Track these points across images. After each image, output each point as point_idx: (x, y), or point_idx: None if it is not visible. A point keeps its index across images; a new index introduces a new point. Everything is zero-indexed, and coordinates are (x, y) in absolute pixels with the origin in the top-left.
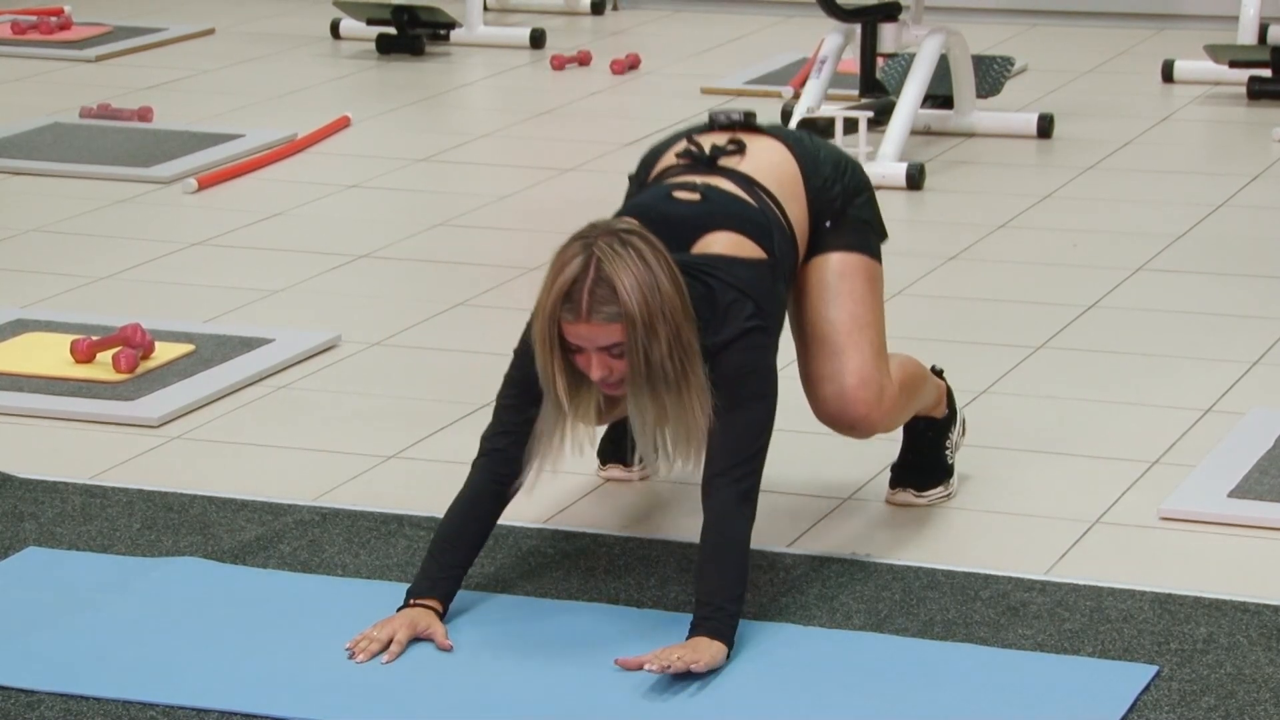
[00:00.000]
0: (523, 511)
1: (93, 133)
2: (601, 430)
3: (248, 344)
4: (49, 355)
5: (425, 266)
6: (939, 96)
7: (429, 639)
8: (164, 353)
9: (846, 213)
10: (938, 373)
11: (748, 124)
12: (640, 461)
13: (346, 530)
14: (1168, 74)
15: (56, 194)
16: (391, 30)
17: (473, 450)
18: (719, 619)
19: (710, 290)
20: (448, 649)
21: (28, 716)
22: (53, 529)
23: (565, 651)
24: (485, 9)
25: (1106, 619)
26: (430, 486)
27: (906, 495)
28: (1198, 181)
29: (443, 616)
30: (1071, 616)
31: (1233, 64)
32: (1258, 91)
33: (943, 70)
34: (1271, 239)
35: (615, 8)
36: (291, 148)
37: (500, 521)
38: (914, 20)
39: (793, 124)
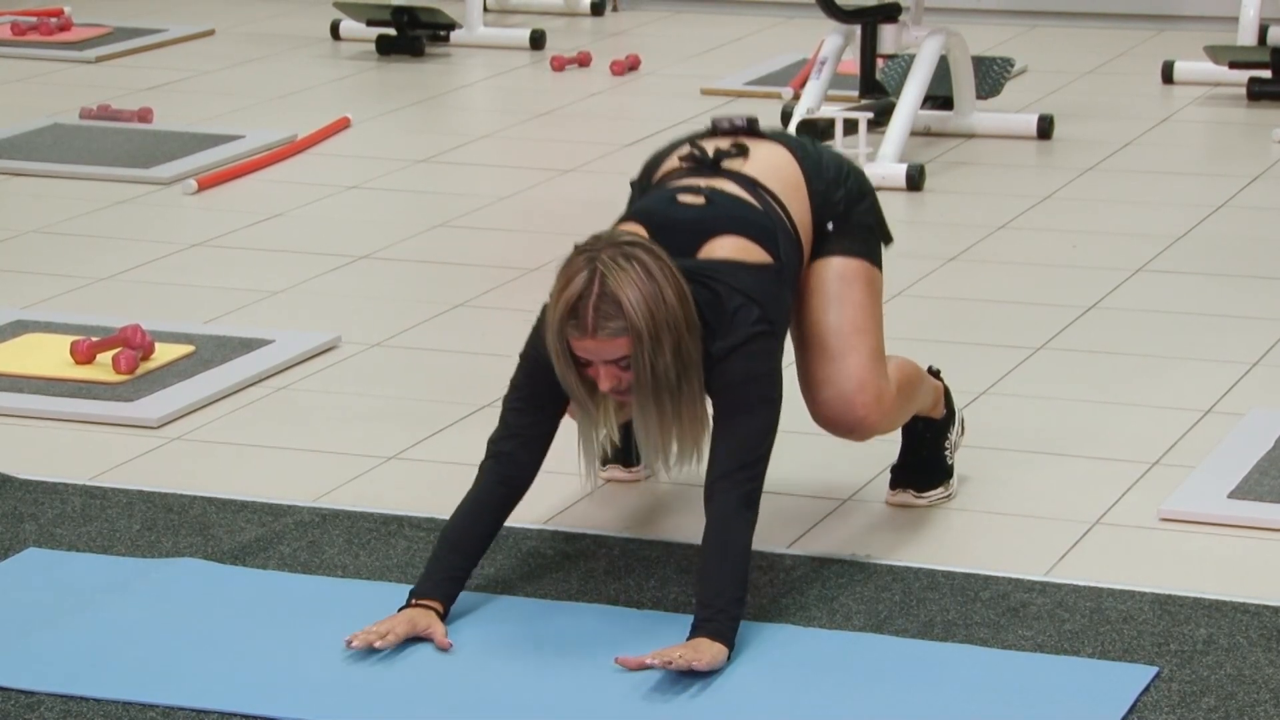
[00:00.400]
0: (523, 513)
1: (93, 134)
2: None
3: (248, 345)
4: (49, 356)
5: (425, 267)
6: (939, 97)
7: (428, 638)
8: (164, 354)
9: (850, 217)
10: (934, 373)
11: (750, 129)
12: (640, 464)
13: (346, 531)
14: (1168, 75)
15: (56, 195)
16: (391, 31)
17: (474, 451)
18: (720, 620)
19: (716, 296)
20: (447, 649)
21: (28, 717)
22: (53, 530)
23: (565, 652)
24: (485, 10)
25: (1106, 620)
26: (430, 487)
27: (906, 496)
28: (1197, 182)
29: (444, 617)
30: (1071, 617)
31: (1233, 65)
32: (1258, 92)
33: (943, 71)
34: (1271, 239)
35: (615, 9)
36: (291, 149)
37: None
38: (914, 21)
39: (792, 125)
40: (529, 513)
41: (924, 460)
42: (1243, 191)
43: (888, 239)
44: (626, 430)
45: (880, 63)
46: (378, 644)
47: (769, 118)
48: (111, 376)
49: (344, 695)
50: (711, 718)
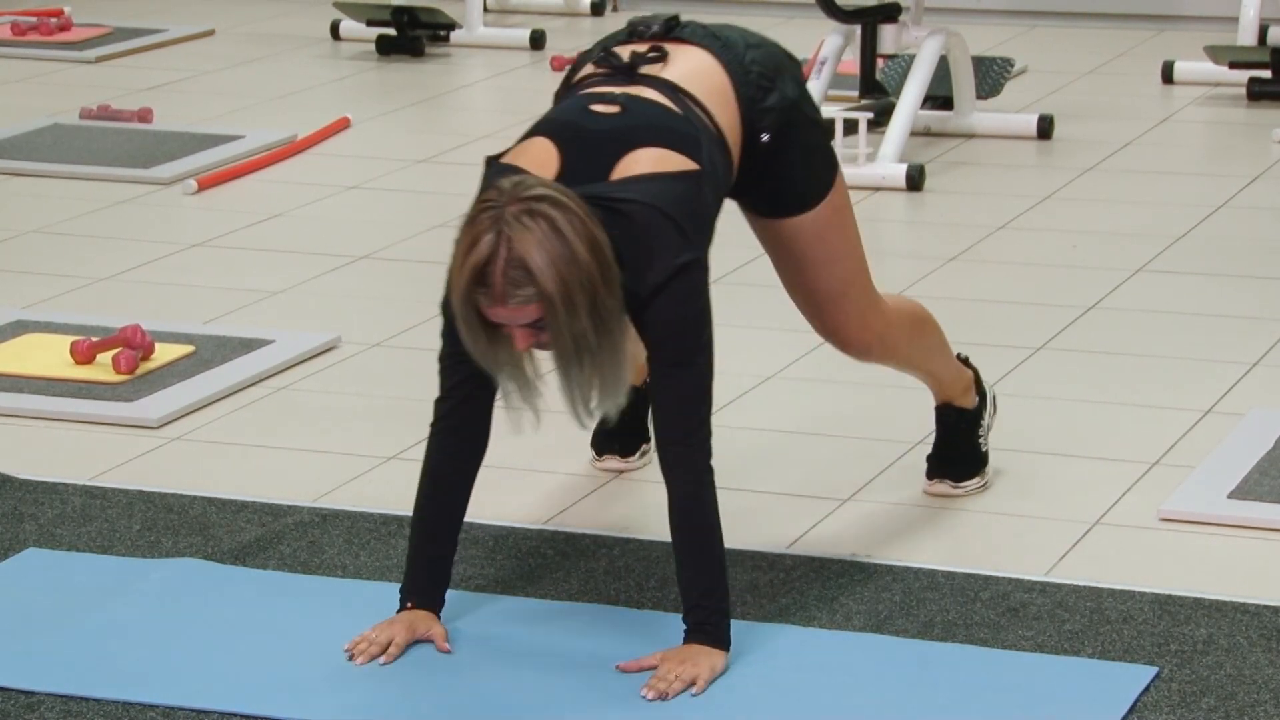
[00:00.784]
0: (523, 513)
1: (93, 134)
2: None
3: (248, 345)
4: (49, 356)
5: (425, 268)
6: (939, 97)
7: (428, 642)
8: (164, 354)
9: (789, 131)
10: (964, 360)
11: (670, 31)
12: (638, 453)
13: (346, 531)
14: (1168, 75)
15: (56, 195)
16: (391, 31)
17: None
18: (711, 623)
19: (632, 222)
20: (447, 652)
21: (27, 717)
22: (53, 530)
23: (565, 653)
24: (485, 10)
25: (1106, 620)
26: None
27: (944, 487)
28: (1198, 182)
29: (439, 610)
30: (1071, 617)
31: (1233, 65)
32: (1258, 93)
33: (943, 71)
34: (1271, 240)
35: (615, 9)
36: (292, 149)
37: (500, 522)
38: (914, 21)
39: None
40: (529, 513)
41: (960, 451)
42: (1243, 191)
43: (830, 135)
44: (621, 416)
45: (880, 63)
46: (383, 661)
47: None
48: (111, 376)
49: (344, 695)
50: (711, 718)
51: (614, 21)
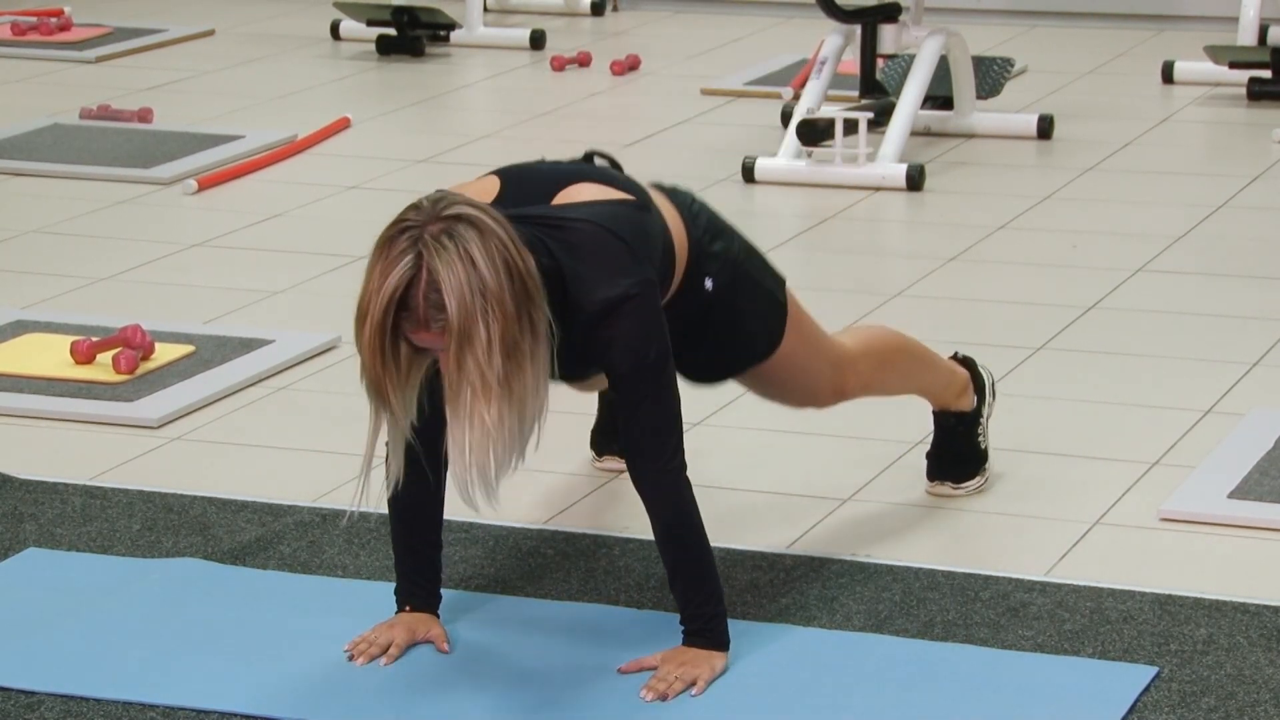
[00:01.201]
0: (523, 513)
1: (93, 134)
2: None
3: (248, 345)
4: (49, 356)
5: None
6: (939, 97)
7: (428, 643)
8: (164, 354)
9: (734, 290)
10: (962, 359)
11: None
12: None
13: (346, 531)
14: (1168, 75)
15: (56, 195)
16: (391, 31)
17: None
18: (709, 625)
19: (573, 235)
20: (447, 653)
21: (28, 717)
22: (53, 530)
23: (565, 653)
24: (485, 10)
25: (1106, 620)
26: None
27: (945, 488)
28: (1197, 182)
29: (437, 609)
30: (1072, 617)
31: (1233, 65)
32: (1258, 92)
33: (943, 71)
34: (1271, 240)
35: (615, 9)
36: (292, 149)
37: (500, 522)
38: (914, 21)
39: (792, 125)
40: (529, 513)
41: (959, 452)
42: (1243, 191)
43: (780, 281)
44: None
45: (880, 63)
46: (383, 662)
47: (769, 118)
48: (111, 376)
49: (344, 695)
50: (711, 718)
51: (613, 21)
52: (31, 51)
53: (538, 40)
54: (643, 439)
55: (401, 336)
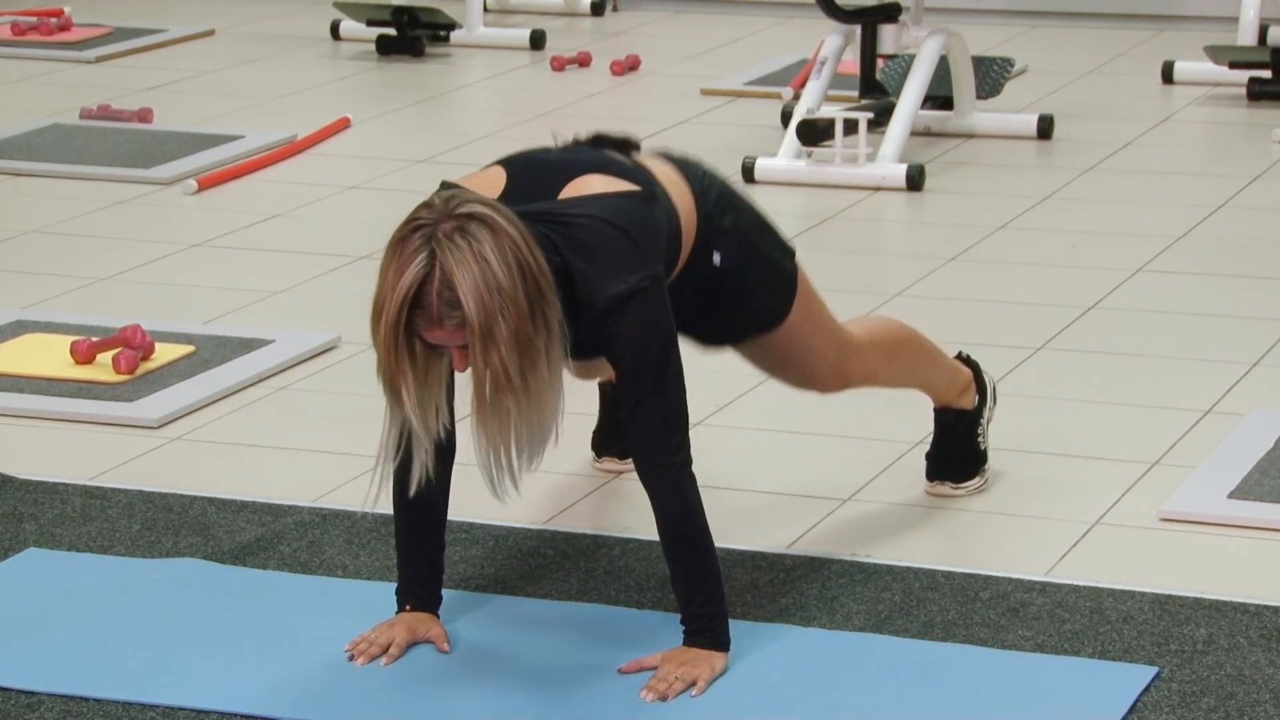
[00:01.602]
0: (523, 513)
1: (93, 134)
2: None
3: (248, 345)
4: (49, 356)
5: None
6: (939, 97)
7: (428, 643)
8: (164, 354)
9: (743, 263)
10: (965, 358)
11: (632, 144)
12: None
13: (346, 531)
14: (1168, 75)
15: (56, 195)
16: (391, 31)
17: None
18: (710, 626)
19: (580, 231)
20: (447, 653)
21: (28, 717)
22: (53, 530)
23: (565, 653)
24: (485, 10)
25: (1106, 620)
26: None
27: (945, 488)
28: (1198, 182)
29: (438, 608)
30: (1071, 617)
31: (1233, 65)
32: (1258, 93)
33: (943, 71)
34: (1271, 240)
35: (615, 9)
36: (292, 149)
37: (500, 522)
38: (914, 21)
39: (792, 125)
40: (529, 513)
41: (959, 452)
42: (1243, 191)
43: (790, 252)
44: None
45: (880, 63)
46: (384, 662)
47: (769, 118)
48: (111, 376)
49: (344, 695)
50: (711, 718)
51: (613, 21)
52: (31, 51)
53: (538, 40)
54: (646, 432)
55: (416, 334)
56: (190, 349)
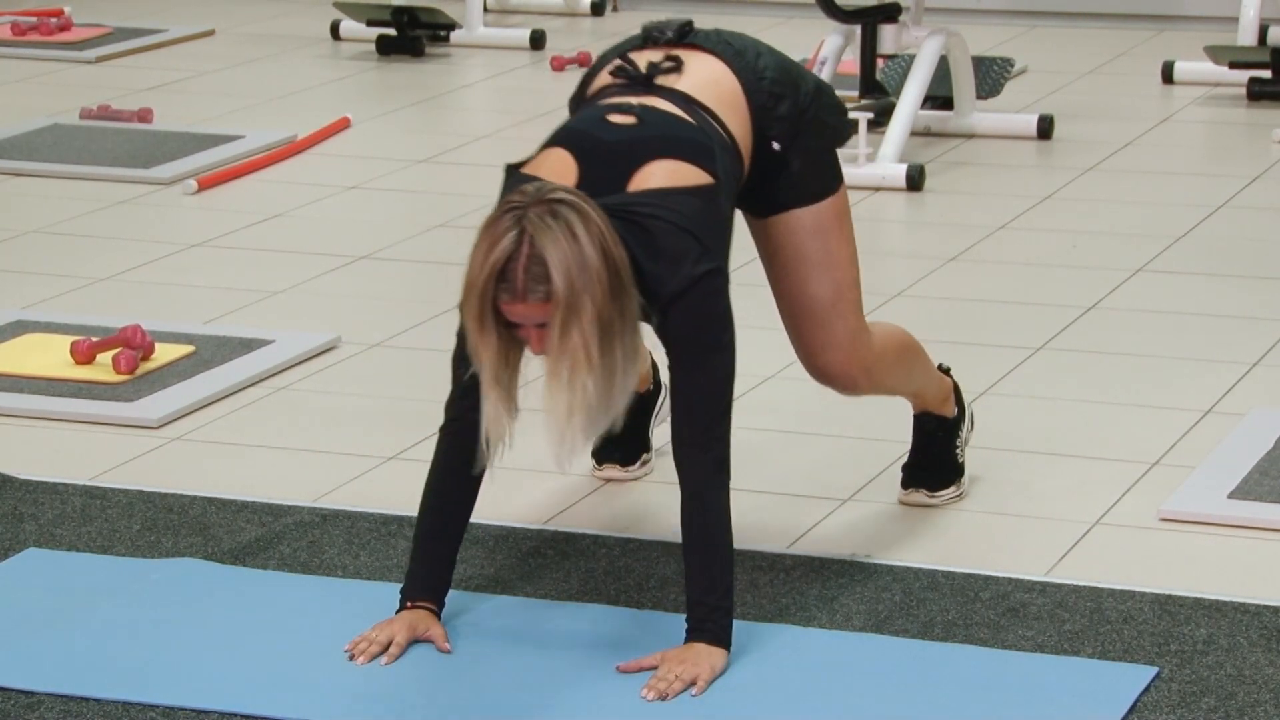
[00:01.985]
0: (523, 513)
1: (93, 134)
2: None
3: (248, 345)
4: (49, 356)
5: (425, 268)
6: (939, 98)
7: (429, 641)
8: (164, 354)
9: (799, 135)
10: (945, 370)
11: (684, 37)
12: (639, 462)
13: (346, 531)
14: (1168, 75)
15: (56, 195)
16: (391, 31)
17: None
18: (714, 621)
19: (650, 234)
20: (447, 652)
21: (28, 717)
22: (53, 530)
23: (565, 653)
24: (485, 10)
25: (1106, 620)
26: None
27: (919, 496)
28: (1198, 183)
29: (440, 611)
30: (1071, 618)
31: (1233, 65)
32: (1258, 93)
33: (943, 71)
34: (1271, 240)
35: (615, 9)
36: (292, 149)
37: (500, 522)
38: (914, 21)
39: None
40: (529, 513)
41: (936, 459)
42: (1243, 191)
43: (842, 138)
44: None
45: (880, 63)
46: (384, 661)
47: None
48: (111, 376)
49: (344, 695)
50: (711, 718)
51: (613, 21)
52: (31, 51)
53: (538, 40)
54: (685, 407)
55: (497, 310)
56: (190, 349)
